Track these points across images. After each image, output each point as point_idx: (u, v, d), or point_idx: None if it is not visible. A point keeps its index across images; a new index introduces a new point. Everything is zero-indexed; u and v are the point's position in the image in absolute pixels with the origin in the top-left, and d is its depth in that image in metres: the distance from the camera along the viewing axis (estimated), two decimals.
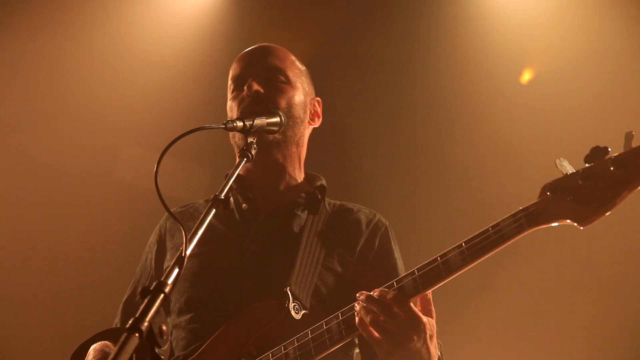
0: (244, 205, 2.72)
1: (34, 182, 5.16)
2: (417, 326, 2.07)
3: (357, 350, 2.66)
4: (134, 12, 5.35)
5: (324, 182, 2.82)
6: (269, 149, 2.67)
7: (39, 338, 4.90)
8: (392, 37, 5.29)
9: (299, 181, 2.81)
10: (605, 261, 4.80)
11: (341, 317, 2.23)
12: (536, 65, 5.10)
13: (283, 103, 2.69)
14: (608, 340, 4.72)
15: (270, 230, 2.65)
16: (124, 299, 2.87)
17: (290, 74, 2.79)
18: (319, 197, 2.77)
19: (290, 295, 2.41)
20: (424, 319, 2.10)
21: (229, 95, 2.81)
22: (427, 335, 2.08)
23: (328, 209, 2.78)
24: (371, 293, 2.12)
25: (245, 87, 2.67)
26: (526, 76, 5.08)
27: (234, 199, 2.75)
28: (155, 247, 2.85)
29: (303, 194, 2.75)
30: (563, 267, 4.86)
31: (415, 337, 2.06)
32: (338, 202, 2.85)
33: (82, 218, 5.13)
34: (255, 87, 2.65)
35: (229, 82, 2.84)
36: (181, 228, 2.68)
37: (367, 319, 2.09)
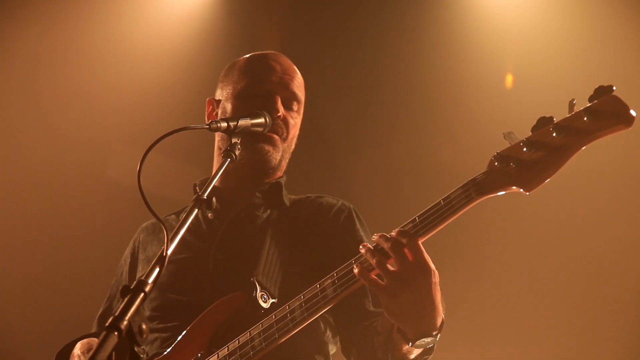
0: (209, 214, 2.78)
1: (25, 179, 5.18)
2: (424, 269, 2.04)
3: (333, 351, 2.70)
4: (127, 12, 5.36)
5: (281, 179, 2.87)
6: (260, 174, 2.79)
7: (26, 333, 4.95)
8: (378, 39, 5.33)
9: (266, 180, 2.86)
10: (599, 256, 4.80)
11: (303, 298, 2.26)
12: (522, 69, 5.11)
13: (292, 133, 2.82)
14: (600, 336, 4.74)
15: (234, 236, 2.70)
16: (99, 312, 2.90)
17: (301, 106, 2.90)
18: (275, 193, 2.82)
19: (257, 285, 2.45)
20: (432, 265, 2.07)
21: (237, 88, 2.81)
22: (433, 281, 2.05)
23: (288, 203, 2.83)
24: (386, 234, 2.10)
25: (274, 106, 2.72)
26: (509, 80, 5.11)
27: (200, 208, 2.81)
28: (129, 260, 2.90)
29: (258, 194, 2.80)
30: (554, 264, 4.87)
31: (421, 280, 2.03)
32: (302, 196, 2.90)
33: (72, 215, 5.16)
34: (282, 111, 2.74)
35: (241, 77, 2.84)
36: (154, 240, 2.77)
37: (374, 261, 2.08)
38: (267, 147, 2.71)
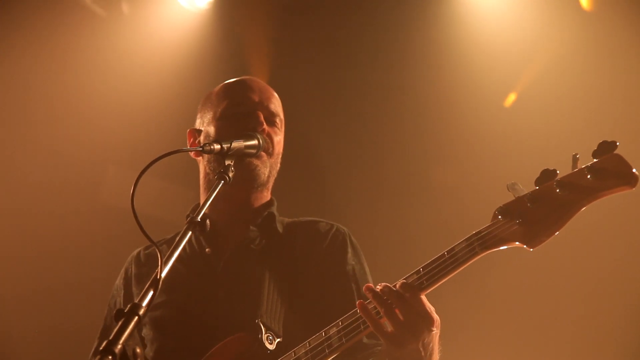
0: (207, 249, 2.74)
1: (21, 199, 5.12)
2: (427, 321, 2.11)
3: None
4: (123, 34, 5.36)
5: (272, 209, 2.85)
6: (249, 191, 2.77)
7: (22, 353, 4.88)
8: (368, 59, 5.35)
9: (257, 206, 2.84)
10: (600, 261, 4.77)
11: (309, 346, 2.25)
12: (520, 88, 5.11)
13: (277, 149, 2.81)
14: (601, 340, 4.70)
15: (233, 274, 2.66)
16: (94, 347, 2.80)
17: (283, 125, 2.90)
18: (269, 224, 2.80)
19: (262, 327, 2.42)
20: (434, 315, 2.13)
21: (218, 110, 2.81)
22: (435, 332, 2.13)
23: (282, 231, 2.80)
24: (390, 285, 2.15)
25: (258, 120, 2.73)
26: (510, 99, 5.13)
27: (196, 241, 2.76)
28: (122, 292, 2.83)
29: (253, 228, 2.77)
30: (556, 268, 4.82)
31: (425, 332, 2.11)
32: (297, 220, 2.89)
33: (67, 236, 5.10)
34: (265, 126, 2.74)
35: (220, 100, 2.84)
36: (150, 273, 2.69)
37: (382, 310, 2.12)
38: (256, 162, 2.70)
